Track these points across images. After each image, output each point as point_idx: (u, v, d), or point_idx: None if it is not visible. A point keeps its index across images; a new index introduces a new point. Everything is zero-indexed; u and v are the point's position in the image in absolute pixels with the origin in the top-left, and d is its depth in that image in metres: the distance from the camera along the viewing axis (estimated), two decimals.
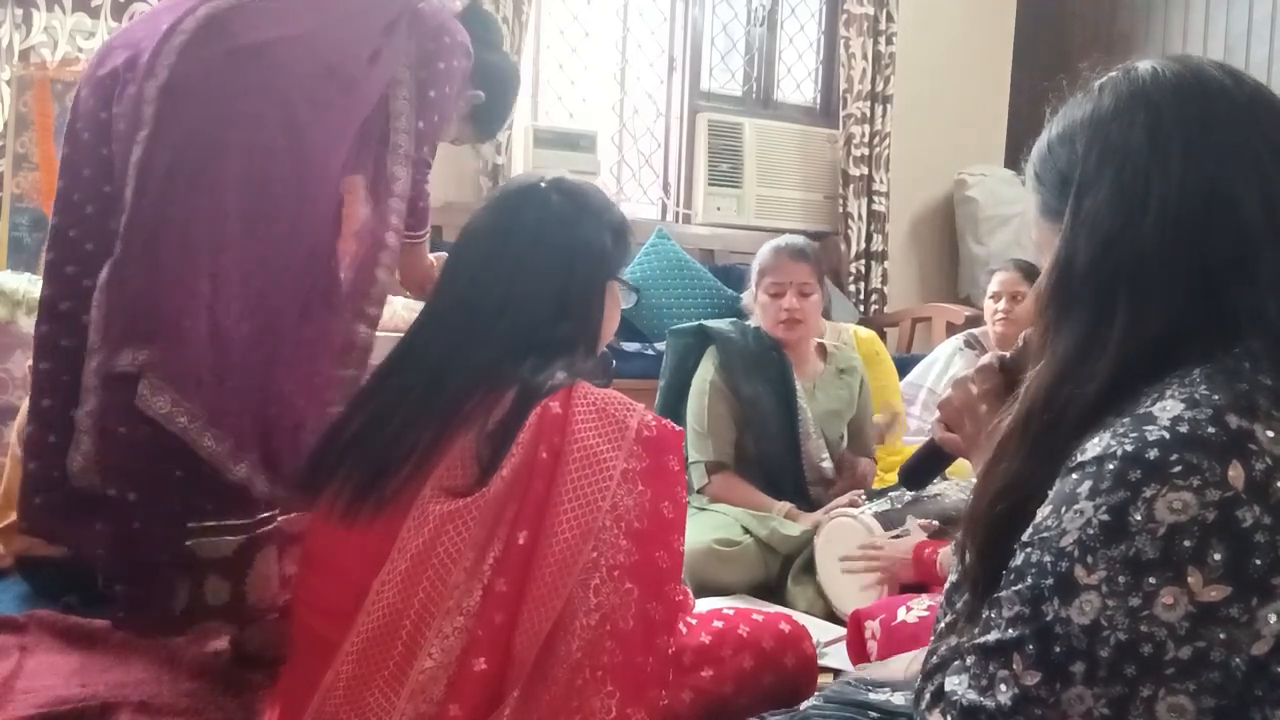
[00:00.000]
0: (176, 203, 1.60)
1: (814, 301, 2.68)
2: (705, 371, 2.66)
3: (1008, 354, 1.04)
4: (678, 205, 4.51)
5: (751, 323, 2.75)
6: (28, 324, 2.49)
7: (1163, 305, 0.79)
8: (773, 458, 2.62)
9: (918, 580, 2.07)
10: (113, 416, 1.60)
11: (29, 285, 2.58)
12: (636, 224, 3.99)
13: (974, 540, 0.84)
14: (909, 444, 3.20)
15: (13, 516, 2.12)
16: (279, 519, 1.70)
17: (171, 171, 1.60)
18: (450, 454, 1.29)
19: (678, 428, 1.35)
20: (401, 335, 1.48)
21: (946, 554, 2.01)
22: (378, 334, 1.84)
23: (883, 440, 2.93)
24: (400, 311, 2.53)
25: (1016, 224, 4.63)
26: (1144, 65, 0.87)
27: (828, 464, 2.67)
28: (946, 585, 0.92)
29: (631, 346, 3.61)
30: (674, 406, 2.70)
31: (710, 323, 2.76)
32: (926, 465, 1.18)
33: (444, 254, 1.73)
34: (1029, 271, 3.23)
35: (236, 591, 1.65)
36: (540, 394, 1.30)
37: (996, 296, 3.33)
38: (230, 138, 1.62)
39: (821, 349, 2.82)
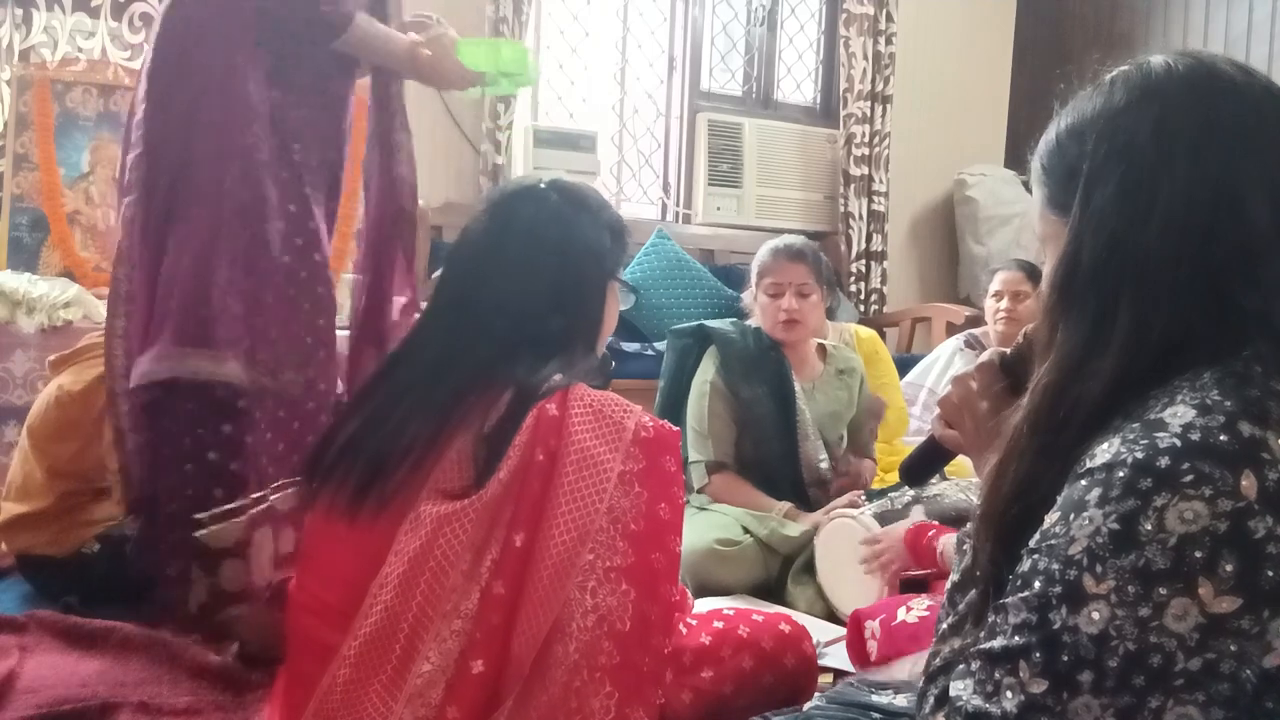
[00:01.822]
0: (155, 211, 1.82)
1: (813, 302, 2.67)
2: (705, 372, 2.65)
3: (1008, 351, 1.04)
4: (678, 205, 4.50)
5: (751, 323, 2.74)
6: (28, 324, 2.51)
7: (1167, 305, 0.78)
8: (771, 459, 2.61)
9: (914, 564, 2.05)
10: (130, 423, 1.82)
11: (29, 285, 2.59)
12: (636, 224, 4.05)
13: (985, 543, 0.83)
14: (909, 444, 3.20)
15: (14, 512, 2.12)
16: (272, 498, 1.76)
17: (150, 187, 1.81)
18: (447, 456, 1.29)
19: (674, 428, 1.35)
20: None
21: (948, 542, 1.99)
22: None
23: (875, 435, 2.92)
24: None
25: (1017, 224, 4.63)
26: (1157, 60, 0.85)
27: (825, 465, 2.67)
28: (948, 584, 0.91)
29: (631, 347, 3.60)
30: (674, 407, 2.69)
31: (710, 323, 2.75)
32: (927, 462, 1.18)
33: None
34: (1030, 271, 3.23)
35: (246, 572, 1.74)
36: (536, 396, 1.30)
37: (998, 296, 3.33)
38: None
39: (821, 350, 2.81)
